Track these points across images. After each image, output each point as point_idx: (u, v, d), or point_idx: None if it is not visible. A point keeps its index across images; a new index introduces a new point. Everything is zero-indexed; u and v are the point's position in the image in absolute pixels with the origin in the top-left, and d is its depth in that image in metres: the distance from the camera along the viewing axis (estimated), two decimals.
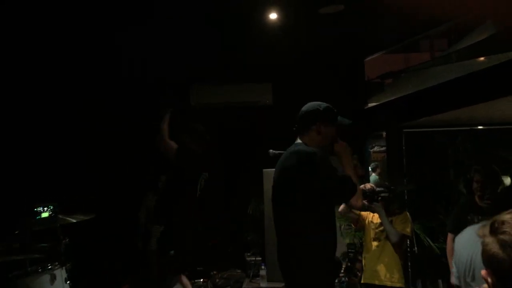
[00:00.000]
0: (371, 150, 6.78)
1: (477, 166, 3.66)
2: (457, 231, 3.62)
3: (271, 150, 2.95)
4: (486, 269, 1.31)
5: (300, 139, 2.65)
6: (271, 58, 5.39)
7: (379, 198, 3.68)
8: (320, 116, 2.63)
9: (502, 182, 3.79)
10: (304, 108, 2.69)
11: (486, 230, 1.33)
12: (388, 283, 3.62)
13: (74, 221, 3.65)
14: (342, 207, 3.73)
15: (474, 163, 3.90)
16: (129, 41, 4.91)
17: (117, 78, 5.46)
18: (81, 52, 5.03)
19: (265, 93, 5.98)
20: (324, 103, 2.70)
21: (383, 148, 6.34)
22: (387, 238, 3.62)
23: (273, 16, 4.63)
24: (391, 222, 3.65)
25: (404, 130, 5.49)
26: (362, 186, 3.62)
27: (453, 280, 3.68)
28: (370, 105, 5.90)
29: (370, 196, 3.63)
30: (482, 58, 3.97)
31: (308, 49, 5.38)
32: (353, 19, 4.66)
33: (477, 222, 3.48)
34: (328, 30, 4.92)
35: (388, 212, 3.71)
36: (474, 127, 5.51)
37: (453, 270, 2.35)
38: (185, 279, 4.09)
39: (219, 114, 5.99)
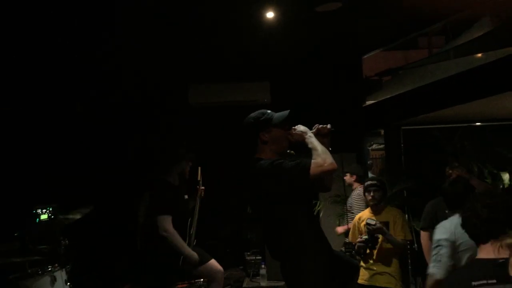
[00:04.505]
0: (369, 148, 6.77)
1: (456, 163, 3.70)
2: (432, 228, 3.62)
3: None
4: None
5: (257, 156, 2.50)
6: (269, 57, 5.38)
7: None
8: (256, 126, 2.49)
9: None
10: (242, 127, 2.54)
11: None
12: (388, 286, 3.62)
13: (78, 216, 3.67)
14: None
15: (473, 160, 3.92)
16: (127, 41, 4.90)
17: (114, 78, 5.44)
18: (78, 52, 5.01)
19: (263, 92, 5.97)
20: (255, 112, 2.54)
21: (382, 146, 6.33)
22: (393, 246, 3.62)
23: (270, 14, 4.62)
24: (386, 224, 3.64)
25: (402, 127, 5.50)
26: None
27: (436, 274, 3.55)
28: (368, 102, 5.89)
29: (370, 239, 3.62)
30: (480, 55, 3.98)
31: (305, 47, 5.37)
32: (351, 16, 4.65)
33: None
34: (325, 28, 4.91)
35: (379, 206, 3.72)
36: (472, 124, 5.52)
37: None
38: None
39: (217, 113, 5.97)
